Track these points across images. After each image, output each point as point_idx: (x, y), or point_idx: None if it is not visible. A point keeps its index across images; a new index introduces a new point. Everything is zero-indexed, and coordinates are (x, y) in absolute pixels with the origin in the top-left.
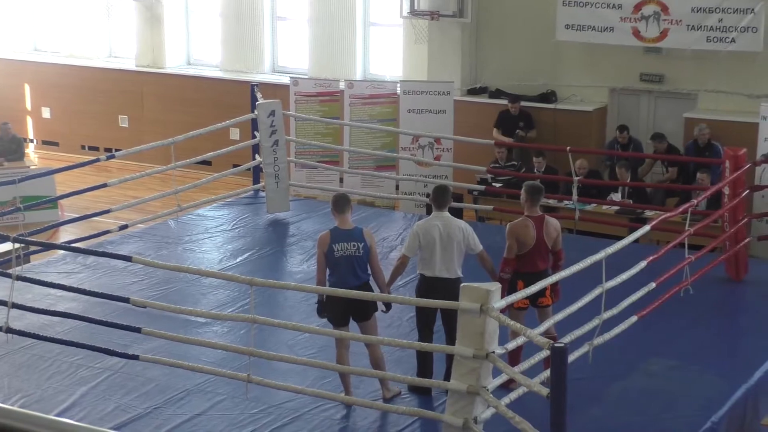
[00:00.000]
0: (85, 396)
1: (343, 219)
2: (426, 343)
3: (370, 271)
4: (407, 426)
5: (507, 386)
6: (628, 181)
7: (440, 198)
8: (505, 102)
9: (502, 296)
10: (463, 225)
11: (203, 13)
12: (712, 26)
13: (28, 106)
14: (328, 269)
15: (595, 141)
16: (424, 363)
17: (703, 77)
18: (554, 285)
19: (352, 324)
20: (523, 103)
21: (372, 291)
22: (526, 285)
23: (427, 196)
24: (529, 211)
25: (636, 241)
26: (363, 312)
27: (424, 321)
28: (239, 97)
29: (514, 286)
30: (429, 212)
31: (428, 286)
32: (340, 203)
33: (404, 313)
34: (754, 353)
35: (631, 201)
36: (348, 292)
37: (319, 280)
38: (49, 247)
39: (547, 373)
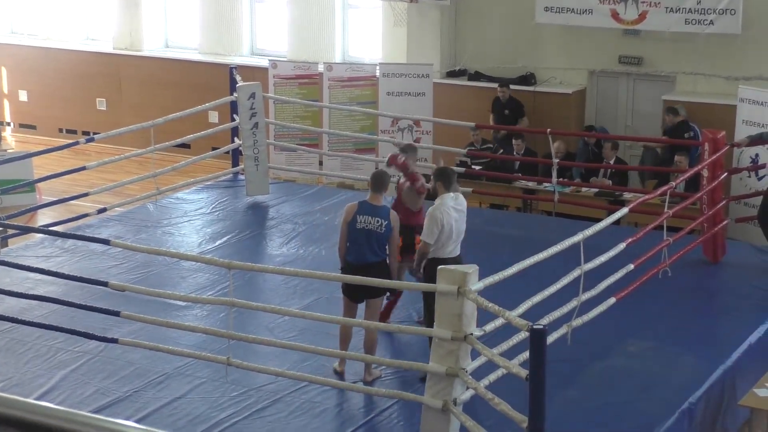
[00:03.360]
0: (64, 379)
1: (375, 196)
2: (421, 328)
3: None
4: (387, 408)
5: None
6: (613, 160)
7: (447, 178)
8: (485, 85)
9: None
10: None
11: None
12: (690, 8)
13: (5, 89)
14: (348, 241)
15: (574, 123)
16: None
17: (682, 59)
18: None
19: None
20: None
21: (388, 270)
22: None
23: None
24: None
25: (615, 223)
26: (374, 289)
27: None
28: (218, 79)
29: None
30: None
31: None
32: (377, 181)
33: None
34: (732, 334)
35: (610, 182)
36: (337, 276)
37: (340, 247)
38: (27, 230)
39: (525, 354)
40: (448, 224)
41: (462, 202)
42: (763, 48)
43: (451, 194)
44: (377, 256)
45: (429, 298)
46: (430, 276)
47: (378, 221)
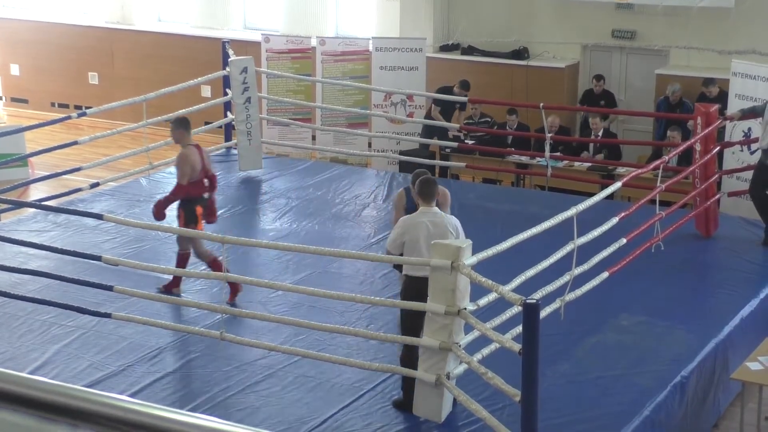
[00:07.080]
0: (57, 354)
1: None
2: (414, 302)
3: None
4: (381, 382)
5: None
6: (601, 132)
7: (427, 191)
8: (478, 59)
9: (181, 223)
10: (456, 224)
11: None
12: None
13: None
14: None
15: (567, 97)
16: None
17: (675, 34)
18: (212, 207)
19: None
20: (496, 60)
21: None
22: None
23: (400, 153)
24: (189, 140)
25: (608, 197)
26: None
27: (410, 327)
28: (210, 53)
29: (193, 212)
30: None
31: (417, 289)
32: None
33: (377, 270)
34: (724, 308)
35: (604, 153)
36: (331, 250)
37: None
38: (19, 205)
39: (519, 329)
40: (414, 238)
41: (441, 227)
42: (756, 22)
43: (433, 209)
44: None
45: (405, 320)
46: (407, 294)
47: None
